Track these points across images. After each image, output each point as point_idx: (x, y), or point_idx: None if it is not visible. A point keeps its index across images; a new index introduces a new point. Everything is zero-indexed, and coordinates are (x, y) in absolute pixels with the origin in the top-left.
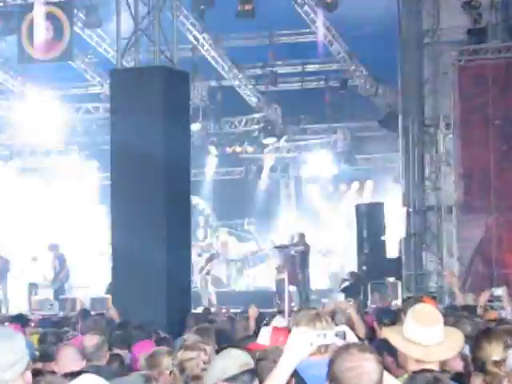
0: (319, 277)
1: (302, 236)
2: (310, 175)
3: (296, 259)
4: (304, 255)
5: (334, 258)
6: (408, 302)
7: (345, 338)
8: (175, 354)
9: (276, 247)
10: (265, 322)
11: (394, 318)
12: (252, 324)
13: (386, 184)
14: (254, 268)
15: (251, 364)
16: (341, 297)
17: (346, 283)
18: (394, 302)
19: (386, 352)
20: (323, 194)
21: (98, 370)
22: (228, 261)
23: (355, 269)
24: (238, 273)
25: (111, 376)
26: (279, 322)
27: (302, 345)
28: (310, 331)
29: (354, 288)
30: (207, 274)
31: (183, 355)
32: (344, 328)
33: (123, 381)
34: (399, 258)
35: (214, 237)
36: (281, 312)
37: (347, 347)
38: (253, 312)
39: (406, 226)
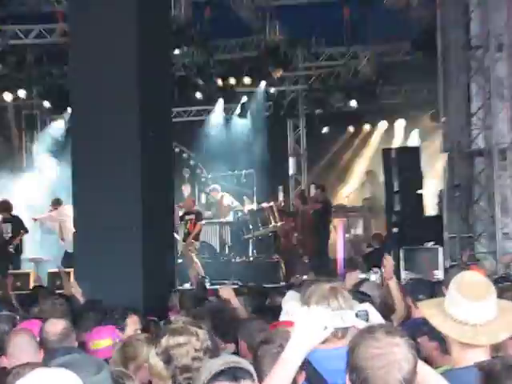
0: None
1: (321, 189)
2: (323, 113)
3: (314, 220)
4: (324, 215)
5: (355, 218)
6: (451, 272)
7: (368, 320)
8: (159, 340)
9: (282, 210)
10: (268, 301)
11: (433, 292)
12: (237, 306)
13: (422, 123)
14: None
15: (242, 363)
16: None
17: (370, 249)
18: (433, 273)
19: (426, 335)
20: (340, 136)
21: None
22: (223, 224)
23: (382, 231)
24: (236, 238)
25: None
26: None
27: (314, 328)
28: (323, 311)
29: (379, 255)
30: (195, 240)
31: (169, 341)
32: (366, 306)
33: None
34: (439, 217)
35: (204, 196)
36: (291, 286)
37: (371, 330)
38: (226, 293)
39: (447, 176)
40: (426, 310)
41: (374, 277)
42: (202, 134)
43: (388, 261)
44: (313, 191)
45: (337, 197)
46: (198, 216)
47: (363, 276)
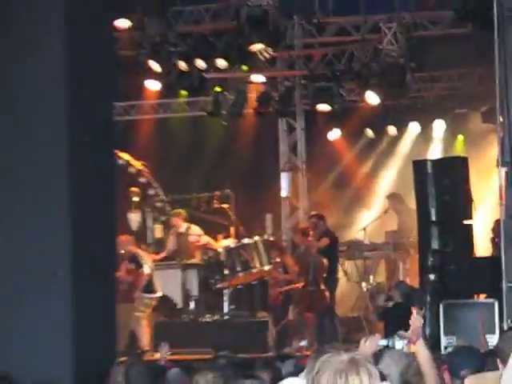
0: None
1: (322, 220)
2: (330, 110)
3: (313, 262)
4: (332, 254)
5: (375, 260)
6: (508, 337)
7: None
8: None
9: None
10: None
11: (482, 365)
12: None
13: (470, 125)
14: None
15: None
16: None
17: (389, 304)
18: (486, 339)
19: None
20: (354, 143)
21: None
22: (187, 267)
23: (413, 277)
24: (205, 288)
25: None
26: None
27: None
28: None
29: (403, 312)
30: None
31: None
32: None
33: None
34: (495, 259)
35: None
36: (284, 357)
37: None
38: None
39: (507, 201)
40: None
41: (399, 344)
42: (157, 140)
43: (415, 318)
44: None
45: (349, 229)
46: (134, 260)
47: (384, 343)
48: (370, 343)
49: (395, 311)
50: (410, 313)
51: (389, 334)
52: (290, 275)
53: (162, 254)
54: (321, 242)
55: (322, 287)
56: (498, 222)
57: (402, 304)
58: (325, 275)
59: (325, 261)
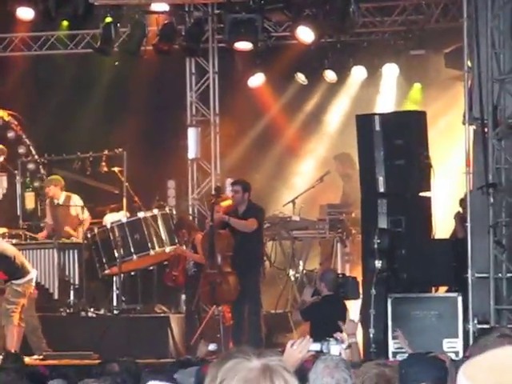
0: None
1: (242, 188)
2: (252, 48)
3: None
4: (255, 236)
5: (309, 241)
6: (483, 340)
7: None
8: None
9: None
10: None
11: (441, 379)
12: None
13: (429, 71)
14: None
15: None
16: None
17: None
18: (446, 343)
19: None
20: (281, 90)
21: None
22: (65, 248)
23: (351, 267)
24: (89, 275)
25: None
26: None
27: None
28: None
29: (332, 309)
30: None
31: None
32: None
33: None
34: (460, 242)
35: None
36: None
37: None
38: None
39: (475, 168)
40: None
41: (335, 348)
42: (30, 83)
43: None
44: (229, 191)
45: (274, 201)
46: None
47: (316, 347)
48: (300, 347)
49: (323, 307)
50: (343, 308)
51: (317, 335)
52: (200, 256)
53: (43, 234)
54: (249, 222)
55: (227, 270)
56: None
57: (332, 297)
58: (230, 254)
59: (228, 237)
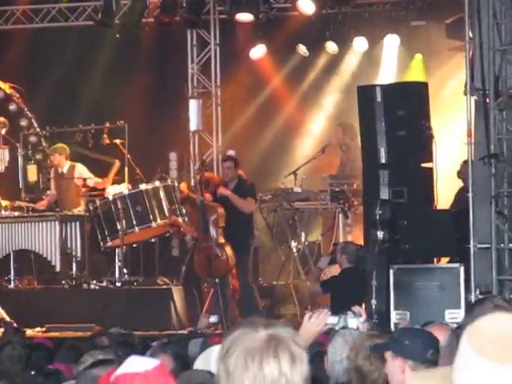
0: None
1: (234, 163)
2: (254, 21)
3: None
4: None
5: (309, 213)
6: (478, 310)
7: None
8: None
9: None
10: None
11: (435, 355)
12: None
13: (430, 42)
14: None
15: None
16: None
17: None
18: (448, 314)
19: None
20: (283, 62)
21: None
22: (67, 219)
23: (357, 236)
24: (91, 247)
25: None
26: None
27: None
28: None
29: (353, 281)
30: None
31: None
32: None
33: None
34: (462, 213)
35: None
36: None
37: None
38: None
39: (476, 138)
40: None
41: (353, 322)
42: (31, 56)
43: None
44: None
45: (276, 173)
46: None
47: (334, 320)
48: (318, 321)
49: (344, 280)
50: (364, 280)
51: (336, 308)
52: (190, 227)
53: (43, 203)
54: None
55: (221, 241)
56: (466, 163)
57: (351, 270)
58: (222, 225)
59: (220, 209)
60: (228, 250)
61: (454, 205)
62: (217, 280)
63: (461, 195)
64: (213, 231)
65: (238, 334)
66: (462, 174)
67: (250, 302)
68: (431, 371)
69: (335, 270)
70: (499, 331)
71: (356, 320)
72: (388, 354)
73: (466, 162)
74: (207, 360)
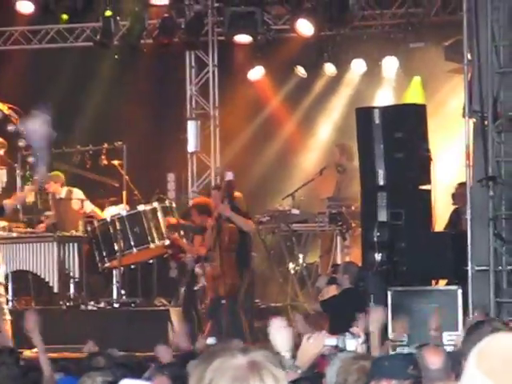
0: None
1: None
2: (252, 42)
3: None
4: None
5: (308, 234)
6: (477, 334)
7: None
8: None
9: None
10: None
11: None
12: None
13: (429, 64)
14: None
15: None
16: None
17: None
18: (446, 336)
19: None
20: (281, 84)
21: None
22: (65, 241)
23: (356, 257)
24: (89, 268)
25: None
26: None
27: None
28: None
29: (353, 302)
30: None
31: None
32: None
33: None
34: (460, 236)
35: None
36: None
37: None
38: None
39: (474, 161)
40: None
41: (351, 343)
42: (30, 77)
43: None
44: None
45: (274, 195)
46: None
47: (332, 342)
48: (316, 342)
49: (342, 301)
50: (362, 302)
51: (335, 329)
52: (191, 247)
53: (42, 226)
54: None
55: (232, 263)
56: (461, 185)
57: (351, 291)
58: (235, 247)
59: (234, 228)
60: (235, 273)
61: (448, 226)
62: (223, 301)
63: (454, 217)
64: (224, 252)
65: (217, 363)
66: (456, 196)
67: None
68: None
69: (333, 291)
70: (507, 354)
71: (354, 341)
72: None
73: (460, 184)
74: None
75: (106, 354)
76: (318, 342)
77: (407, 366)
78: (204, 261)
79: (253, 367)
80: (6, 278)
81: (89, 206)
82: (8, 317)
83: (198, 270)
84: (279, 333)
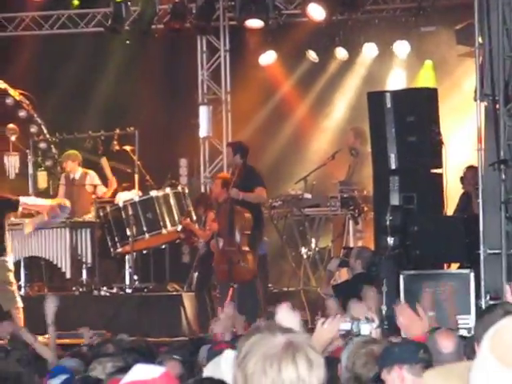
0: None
1: (239, 154)
2: (264, 27)
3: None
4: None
5: (320, 218)
6: (489, 318)
7: None
8: None
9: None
10: None
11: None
12: None
13: (440, 48)
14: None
15: None
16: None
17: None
18: (459, 320)
19: None
20: (293, 68)
21: None
22: (78, 226)
23: (368, 241)
24: (101, 253)
25: None
26: None
27: None
28: None
29: (360, 285)
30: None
31: None
32: None
33: None
34: (472, 219)
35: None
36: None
37: None
38: None
39: (487, 145)
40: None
41: (365, 328)
42: (41, 63)
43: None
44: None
45: (286, 179)
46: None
47: (347, 326)
48: (331, 327)
49: (355, 285)
50: (376, 286)
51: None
52: (203, 231)
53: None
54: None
55: (245, 248)
56: (469, 169)
57: (364, 276)
58: (248, 232)
59: (247, 215)
60: (250, 257)
61: (457, 210)
62: (235, 285)
63: (464, 200)
64: (238, 236)
65: (255, 339)
66: (465, 179)
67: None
68: (448, 368)
69: (345, 273)
70: None
71: (369, 326)
72: (384, 372)
73: (469, 167)
74: (216, 369)
75: (116, 341)
76: (333, 327)
77: (418, 351)
78: (217, 236)
79: (288, 348)
80: (19, 264)
81: (101, 190)
82: (20, 304)
83: (212, 244)
84: (287, 317)
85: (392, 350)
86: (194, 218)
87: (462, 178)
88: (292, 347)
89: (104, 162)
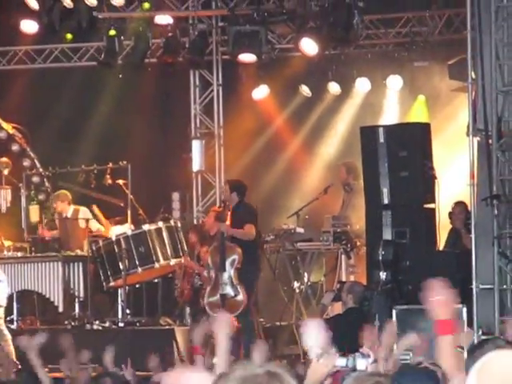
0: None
1: (231, 189)
2: (256, 61)
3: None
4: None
5: (313, 254)
6: (480, 352)
7: None
8: None
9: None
10: None
11: None
12: None
13: (432, 84)
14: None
15: None
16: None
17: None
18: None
19: None
20: (286, 103)
21: None
22: (70, 260)
23: (360, 276)
24: (93, 287)
25: None
26: None
27: None
28: None
29: (352, 320)
30: None
31: None
32: None
33: None
34: (464, 254)
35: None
36: None
37: None
38: None
39: (479, 180)
40: None
41: (361, 363)
42: (34, 96)
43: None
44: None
45: (278, 213)
46: None
47: (342, 362)
48: (326, 362)
49: (346, 320)
50: (368, 321)
51: (340, 347)
52: (201, 267)
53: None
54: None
55: (236, 282)
56: (457, 204)
57: (356, 310)
58: (239, 266)
59: (238, 249)
60: (242, 290)
61: (447, 246)
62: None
63: (453, 236)
64: (230, 271)
65: (238, 372)
66: (453, 215)
67: (253, 340)
68: None
69: (338, 307)
70: (507, 373)
71: (364, 361)
72: None
73: (457, 203)
74: None
75: (113, 374)
76: (329, 362)
77: (428, 382)
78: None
79: (270, 377)
80: (11, 297)
81: (94, 225)
82: (8, 336)
83: (204, 276)
84: (312, 332)
85: (401, 380)
86: (186, 249)
87: (450, 214)
88: (274, 377)
89: (95, 209)
